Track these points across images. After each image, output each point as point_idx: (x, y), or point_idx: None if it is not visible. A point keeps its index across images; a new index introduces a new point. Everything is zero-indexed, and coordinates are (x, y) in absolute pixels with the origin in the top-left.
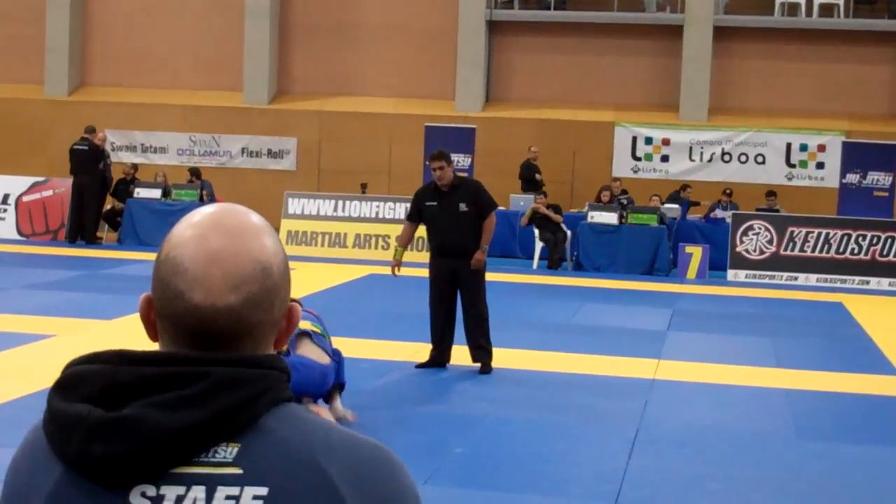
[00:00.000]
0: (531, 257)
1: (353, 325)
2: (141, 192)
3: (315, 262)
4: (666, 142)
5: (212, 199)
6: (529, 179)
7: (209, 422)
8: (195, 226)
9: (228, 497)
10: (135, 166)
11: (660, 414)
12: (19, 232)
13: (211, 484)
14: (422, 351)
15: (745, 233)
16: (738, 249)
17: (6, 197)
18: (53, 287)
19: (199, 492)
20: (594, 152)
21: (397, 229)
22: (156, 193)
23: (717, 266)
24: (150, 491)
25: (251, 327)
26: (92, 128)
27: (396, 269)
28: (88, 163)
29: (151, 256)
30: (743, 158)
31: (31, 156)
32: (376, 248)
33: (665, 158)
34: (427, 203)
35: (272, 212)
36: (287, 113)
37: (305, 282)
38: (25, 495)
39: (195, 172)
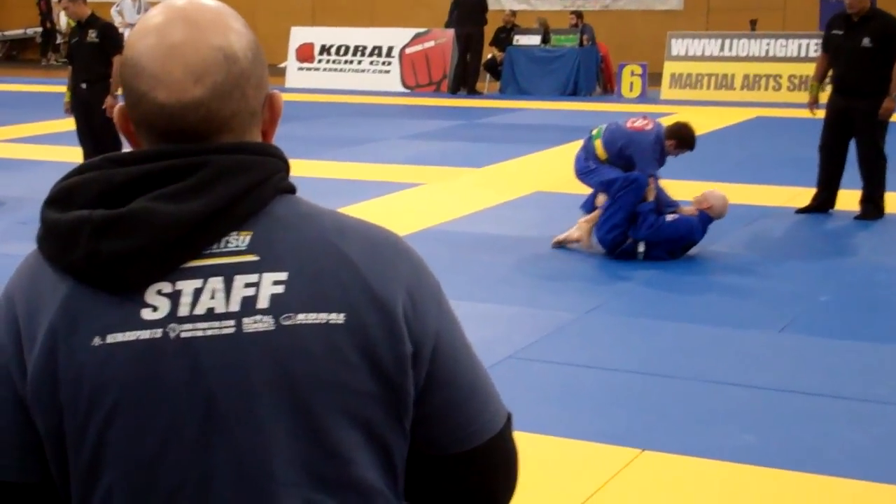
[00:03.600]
0: None
1: (730, 169)
2: (520, 40)
3: (699, 106)
4: None
5: (592, 44)
6: None
7: (218, 209)
8: (153, 22)
9: (248, 285)
10: (513, 13)
11: None
12: (403, 84)
13: (228, 273)
14: (800, 196)
15: None
16: None
17: (390, 49)
18: (430, 137)
19: (216, 283)
20: None
21: (790, 68)
22: (535, 40)
23: None
24: (166, 288)
25: (225, 120)
26: None
27: (813, 106)
28: (474, 12)
29: (531, 105)
30: None
31: (414, 7)
32: (766, 89)
33: None
34: (834, 31)
35: (655, 55)
36: None
37: None
38: (29, 326)
39: (578, 14)
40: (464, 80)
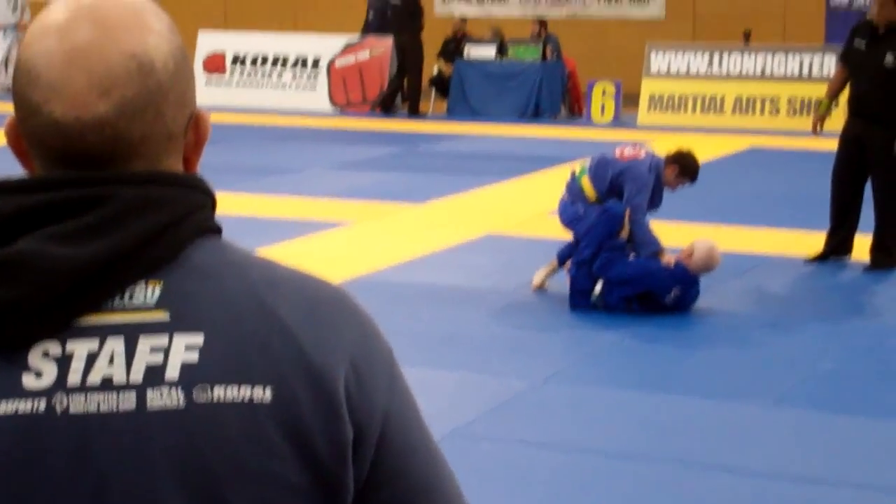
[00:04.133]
0: None
1: (722, 209)
2: (472, 52)
3: (683, 133)
4: None
5: (558, 57)
6: None
7: (122, 254)
8: (54, 18)
9: (155, 349)
10: (464, 20)
11: None
12: (332, 102)
13: (131, 334)
14: (802, 241)
15: None
16: None
17: (317, 61)
18: (363, 167)
19: (116, 344)
20: None
21: (790, 89)
22: (490, 53)
23: None
24: (55, 349)
25: (135, 144)
26: None
27: (818, 125)
28: (402, 17)
29: (483, 129)
30: None
31: (345, 10)
32: (761, 113)
33: None
34: (855, 42)
35: (632, 71)
36: None
37: None
38: None
39: (541, 23)
40: (402, 99)
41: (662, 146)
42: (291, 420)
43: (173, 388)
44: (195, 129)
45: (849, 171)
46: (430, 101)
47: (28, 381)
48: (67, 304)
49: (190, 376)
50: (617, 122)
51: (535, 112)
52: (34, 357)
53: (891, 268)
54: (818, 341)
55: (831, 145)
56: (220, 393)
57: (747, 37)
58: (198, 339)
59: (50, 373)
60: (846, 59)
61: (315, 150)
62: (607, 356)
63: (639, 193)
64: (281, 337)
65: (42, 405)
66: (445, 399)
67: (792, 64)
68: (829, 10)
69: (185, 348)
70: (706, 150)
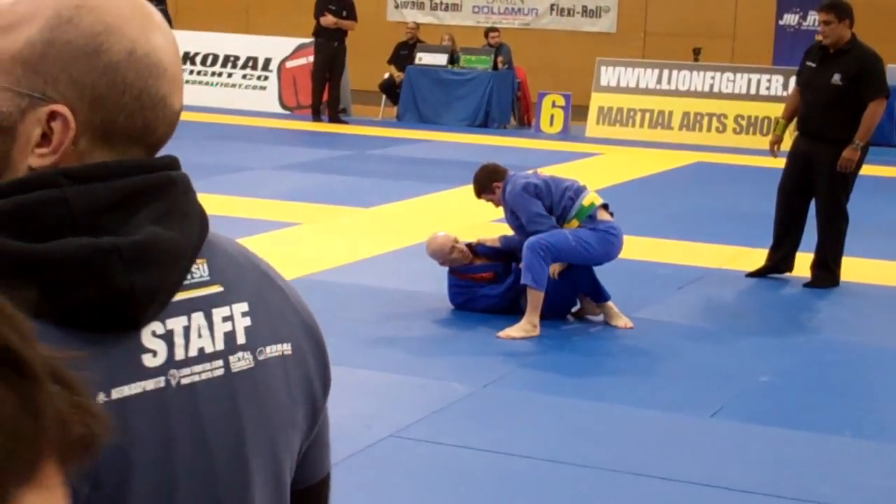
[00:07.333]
0: None
1: (666, 222)
2: (424, 58)
3: (630, 147)
4: None
5: (509, 68)
6: None
7: (200, 233)
8: (129, 8)
9: (225, 318)
10: (417, 25)
11: None
12: (282, 104)
13: (205, 308)
14: (743, 256)
15: None
16: None
17: (268, 62)
18: (311, 169)
19: (199, 319)
20: None
21: (737, 107)
22: (441, 60)
23: None
24: (159, 328)
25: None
26: None
27: (775, 147)
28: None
29: (434, 136)
30: None
31: (297, 13)
32: (709, 130)
33: None
34: (807, 63)
35: (582, 84)
36: None
37: (616, 170)
38: None
39: (496, 32)
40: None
41: (613, 159)
42: (304, 371)
43: (244, 351)
44: None
45: (795, 188)
46: (381, 107)
47: (147, 360)
48: (177, 284)
49: (252, 339)
50: (565, 134)
51: (485, 121)
52: (146, 337)
53: (831, 286)
54: (757, 354)
55: (776, 163)
56: (269, 351)
57: (697, 54)
58: (245, 306)
59: (162, 351)
60: (799, 80)
61: (264, 151)
62: (548, 364)
63: None
64: (282, 298)
65: (162, 381)
66: (386, 401)
67: (740, 82)
68: (778, 30)
69: (241, 315)
70: (653, 164)
